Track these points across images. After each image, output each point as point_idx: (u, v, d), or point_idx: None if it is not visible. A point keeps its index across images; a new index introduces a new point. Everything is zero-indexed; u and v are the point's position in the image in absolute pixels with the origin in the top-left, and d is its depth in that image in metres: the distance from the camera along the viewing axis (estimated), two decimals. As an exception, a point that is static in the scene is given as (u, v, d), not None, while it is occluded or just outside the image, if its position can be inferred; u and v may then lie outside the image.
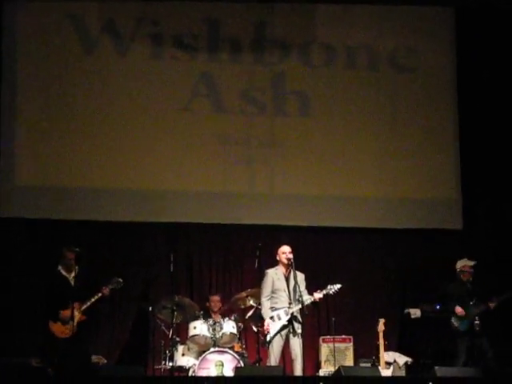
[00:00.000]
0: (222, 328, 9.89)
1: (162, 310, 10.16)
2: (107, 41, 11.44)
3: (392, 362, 10.55)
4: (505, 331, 11.03)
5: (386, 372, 10.00)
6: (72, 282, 9.74)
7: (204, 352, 9.74)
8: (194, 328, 9.92)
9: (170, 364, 9.85)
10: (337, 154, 11.62)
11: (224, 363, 9.57)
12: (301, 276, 9.52)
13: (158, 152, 11.35)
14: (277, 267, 9.56)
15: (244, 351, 10.16)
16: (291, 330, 9.30)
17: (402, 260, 11.67)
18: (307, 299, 9.29)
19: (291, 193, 11.48)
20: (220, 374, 9.44)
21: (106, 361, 10.45)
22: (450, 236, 11.54)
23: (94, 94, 11.35)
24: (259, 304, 9.66)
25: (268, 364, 9.31)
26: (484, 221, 11.75)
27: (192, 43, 11.53)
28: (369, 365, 10.23)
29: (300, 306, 9.21)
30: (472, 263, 10.52)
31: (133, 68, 11.45)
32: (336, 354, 10.54)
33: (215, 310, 10.49)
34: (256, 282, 9.81)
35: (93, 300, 9.70)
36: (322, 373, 10.49)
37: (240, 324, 10.12)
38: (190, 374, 9.73)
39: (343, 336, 10.77)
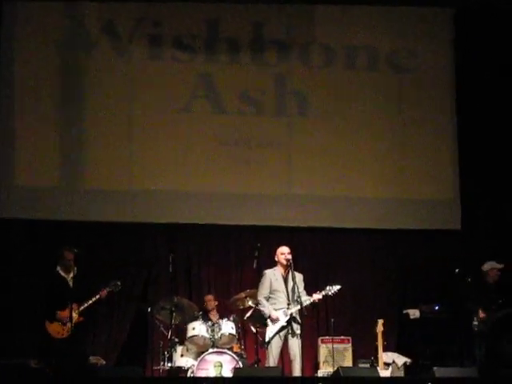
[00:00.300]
0: (220, 329, 9.90)
1: (161, 311, 10.16)
2: (106, 41, 11.45)
3: (391, 362, 10.54)
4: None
5: (384, 373, 9.97)
6: (70, 283, 9.69)
7: (203, 353, 9.75)
8: (193, 329, 9.93)
9: (169, 365, 9.85)
10: (336, 155, 11.61)
11: (223, 364, 9.58)
12: (299, 277, 9.49)
13: (157, 153, 11.34)
14: (275, 268, 9.52)
15: (243, 352, 10.16)
16: (290, 331, 9.27)
17: (402, 260, 11.66)
18: (306, 300, 9.27)
19: (291, 193, 11.47)
20: (219, 375, 9.45)
21: (104, 362, 10.44)
22: (450, 236, 11.53)
23: (94, 94, 11.36)
24: (258, 305, 9.63)
25: (267, 365, 9.30)
26: (484, 221, 11.74)
27: (191, 44, 11.54)
28: (367, 365, 10.21)
29: (299, 306, 9.19)
30: (500, 266, 10.36)
31: (132, 68, 11.45)
32: (335, 354, 10.54)
33: (210, 308, 10.52)
34: (255, 282, 9.78)
35: (90, 302, 9.69)
36: (320, 373, 10.48)
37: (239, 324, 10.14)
38: (188, 374, 9.72)
39: (342, 337, 10.76)
